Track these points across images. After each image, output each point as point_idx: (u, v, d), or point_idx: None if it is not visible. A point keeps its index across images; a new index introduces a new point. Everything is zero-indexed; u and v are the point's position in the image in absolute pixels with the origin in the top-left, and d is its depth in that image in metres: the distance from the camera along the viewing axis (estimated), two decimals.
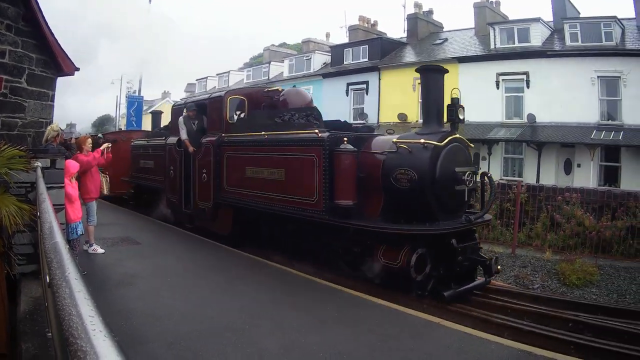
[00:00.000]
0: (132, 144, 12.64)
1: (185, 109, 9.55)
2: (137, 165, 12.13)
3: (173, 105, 10.70)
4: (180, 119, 9.21)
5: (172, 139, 9.75)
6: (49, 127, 7.08)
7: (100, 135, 15.48)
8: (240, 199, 7.72)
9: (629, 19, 20.10)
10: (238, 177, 7.77)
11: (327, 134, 6.21)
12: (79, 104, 57.43)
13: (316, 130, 6.34)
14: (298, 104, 7.95)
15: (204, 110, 9.13)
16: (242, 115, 8.88)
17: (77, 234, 6.11)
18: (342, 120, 7.95)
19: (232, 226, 8.21)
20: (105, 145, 7.64)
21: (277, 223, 7.38)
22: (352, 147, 6.00)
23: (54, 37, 7.99)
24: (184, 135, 9.05)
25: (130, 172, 12.61)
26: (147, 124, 30.56)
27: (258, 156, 7.39)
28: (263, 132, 7.20)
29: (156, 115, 15.54)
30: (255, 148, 7.48)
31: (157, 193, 10.85)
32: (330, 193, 6.04)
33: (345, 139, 6.04)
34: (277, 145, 6.99)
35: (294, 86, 8.04)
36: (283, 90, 8.68)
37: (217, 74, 39.54)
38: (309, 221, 6.49)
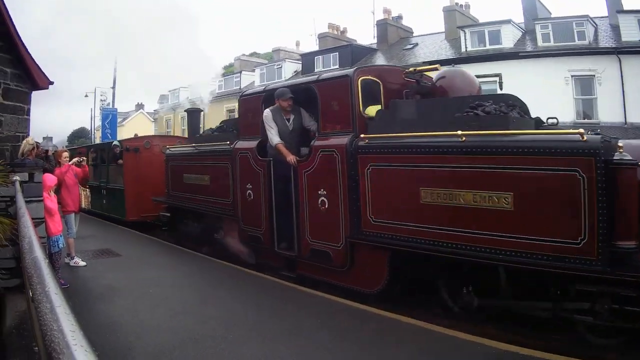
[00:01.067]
0: (168, 152, 9.83)
1: (266, 99, 6.76)
2: (178, 181, 9.14)
3: (241, 95, 7.63)
4: (266, 113, 6.37)
5: (244, 144, 7.07)
6: (24, 141, 7.09)
7: (116, 142, 13.12)
8: (408, 237, 4.99)
9: (602, 17, 20.30)
10: (401, 202, 5.09)
11: (598, 137, 4.05)
12: (55, 117, 56.72)
13: (580, 131, 4.04)
14: (464, 90, 5.55)
15: (305, 100, 6.40)
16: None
17: (58, 247, 6.10)
18: None
19: (387, 279, 5.31)
20: (75, 159, 7.53)
21: (491, 276, 4.71)
22: (631, 157, 3.96)
23: (28, 52, 7.97)
24: (275, 138, 6.24)
25: (166, 190, 9.76)
26: (122, 136, 30.14)
27: (445, 170, 4.76)
28: (460, 132, 4.55)
29: (194, 114, 10.92)
30: (436, 157, 4.86)
31: (214, 220, 8.09)
32: (608, 231, 3.89)
33: (620, 144, 3.99)
34: (488, 154, 4.52)
35: (453, 65, 5.98)
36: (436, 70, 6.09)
37: (190, 85, 38.74)
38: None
